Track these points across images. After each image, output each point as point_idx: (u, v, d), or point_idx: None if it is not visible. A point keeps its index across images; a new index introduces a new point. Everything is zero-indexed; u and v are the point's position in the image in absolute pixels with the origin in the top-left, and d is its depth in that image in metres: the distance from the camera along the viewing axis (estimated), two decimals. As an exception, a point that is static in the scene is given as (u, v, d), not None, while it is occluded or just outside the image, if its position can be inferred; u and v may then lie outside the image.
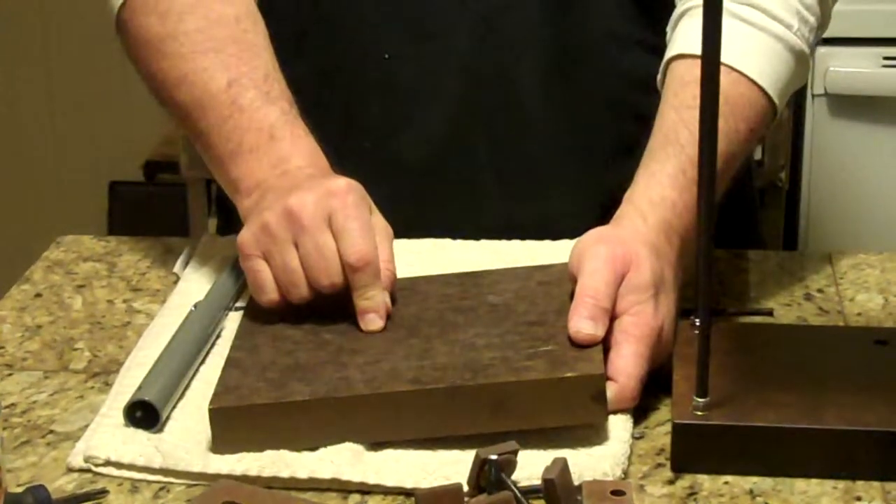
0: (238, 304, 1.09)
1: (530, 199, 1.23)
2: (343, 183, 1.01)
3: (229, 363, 0.97)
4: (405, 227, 1.13)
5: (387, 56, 1.21)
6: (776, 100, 1.10)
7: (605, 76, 1.23)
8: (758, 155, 2.07)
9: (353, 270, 0.99)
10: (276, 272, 1.01)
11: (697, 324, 0.92)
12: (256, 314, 1.03)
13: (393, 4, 1.21)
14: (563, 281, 1.01)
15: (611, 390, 0.93)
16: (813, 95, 2.06)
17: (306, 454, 0.91)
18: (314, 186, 1.01)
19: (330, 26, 1.22)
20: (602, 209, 1.05)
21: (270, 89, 1.10)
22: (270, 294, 1.01)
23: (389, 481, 0.88)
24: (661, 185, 1.04)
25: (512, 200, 1.23)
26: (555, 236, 1.15)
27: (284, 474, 0.89)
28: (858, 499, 0.88)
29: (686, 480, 0.90)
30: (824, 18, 1.16)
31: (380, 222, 1.04)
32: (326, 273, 0.99)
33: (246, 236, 1.02)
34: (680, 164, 1.04)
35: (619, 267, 0.97)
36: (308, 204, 0.99)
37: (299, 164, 1.07)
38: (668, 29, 1.17)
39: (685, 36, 1.12)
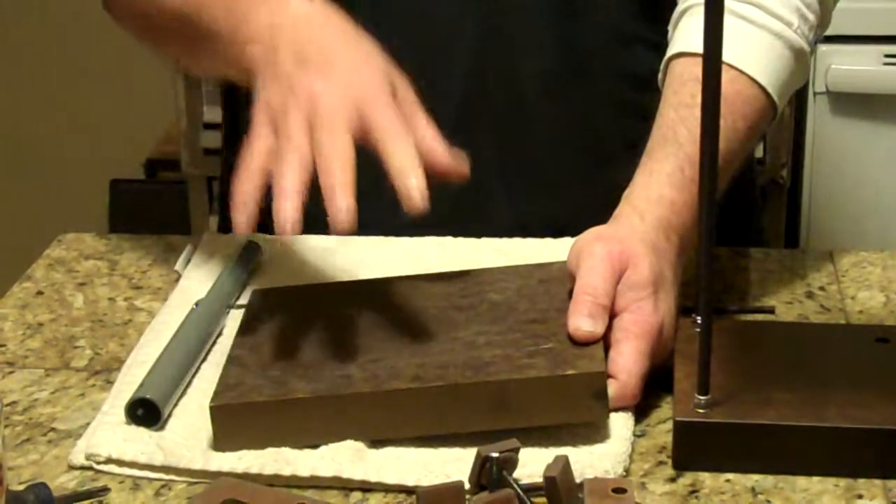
0: (239, 302, 1.09)
1: (537, 198, 1.23)
2: (369, 80, 0.98)
3: (230, 361, 0.97)
4: (412, 226, 1.13)
5: (392, 58, 1.21)
6: (776, 98, 1.10)
7: (609, 75, 1.23)
8: (759, 153, 2.07)
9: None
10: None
11: (699, 322, 0.92)
12: (258, 312, 1.03)
13: (397, 6, 1.21)
14: (563, 279, 1.01)
15: (612, 388, 0.93)
16: (814, 93, 2.07)
17: (307, 452, 0.91)
18: (340, 75, 0.98)
19: None
20: (609, 208, 1.05)
21: None
22: (260, 151, 0.98)
23: (391, 479, 0.88)
24: (660, 183, 1.04)
25: (518, 200, 1.23)
26: (562, 235, 1.15)
27: (286, 472, 0.89)
28: (860, 496, 0.88)
29: (687, 478, 0.90)
30: (825, 17, 1.16)
31: (403, 94, 1.01)
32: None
33: (261, 100, 0.99)
34: (678, 163, 1.04)
35: (616, 264, 0.97)
36: (332, 110, 0.96)
37: (304, 8, 1.04)
38: (670, 27, 1.17)
39: (685, 34, 1.12)
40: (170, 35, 1.14)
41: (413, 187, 0.93)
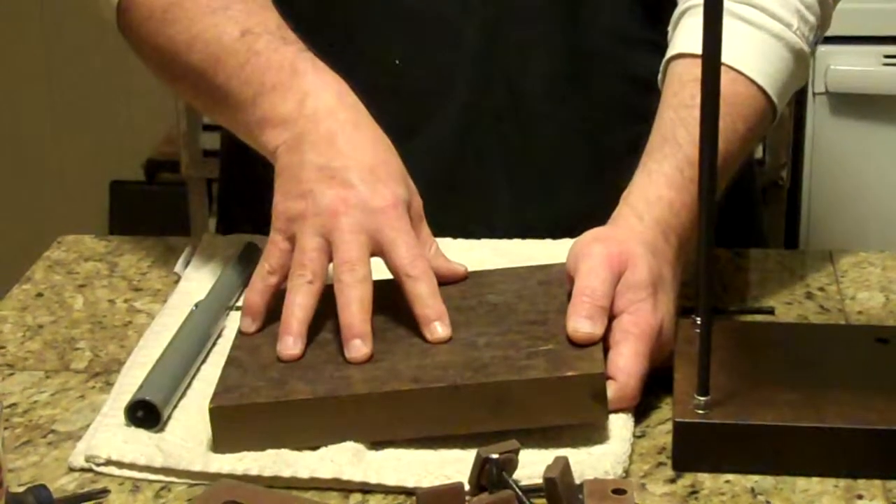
0: (239, 304, 1.09)
1: (541, 200, 1.23)
2: (388, 198, 1.01)
3: (229, 362, 0.97)
4: None
5: (398, 62, 1.21)
6: (775, 99, 1.10)
7: (612, 77, 1.23)
8: (759, 153, 2.07)
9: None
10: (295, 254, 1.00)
11: (698, 322, 0.92)
12: (257, 313, 1.03)
13: (402, 10, 1.21)
14: (563, 280, 1.01)
15: (611, 389, 0.93)
16: (814, 94, 2.07)
17: (307, 453, 0.91)
18: (360, 194, 1.00)
19: (340, 33, 1.22)
20: (611, 209, 1.05)
21: (285, 35, 1.09)
22: (274, 268, 1.01)
23: (390, 480, 0.88)
24: (658, 184, 1.04)
25: (523, 202, 1.23)
26: (564, 237, 1.15)
27: (285, 474, 0.89)
28: (860, 497, 0.88)
29: (687, 479, 0.90)
30: (825, 18, 1.16)
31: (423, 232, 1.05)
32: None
33: (280, 209, 1.01)
34: (677, 164, 1.04)
35: (615, 265, 0.97)
36: (350, 235, 0.99)
37: (329, 103, 1.05)
38: (669, 28, 1.17)
39: (685, 35, 1.12)
40: (186, 83, 1.14)
41: (436, 333, 0.97)
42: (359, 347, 0.96)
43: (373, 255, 1.00)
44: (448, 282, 1.03)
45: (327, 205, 1.00)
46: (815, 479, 0.89)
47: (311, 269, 0.99)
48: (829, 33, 1.21)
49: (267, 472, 0.89)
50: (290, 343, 0.97)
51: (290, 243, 1.01)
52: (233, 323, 1.06)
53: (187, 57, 1.11)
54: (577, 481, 0.85)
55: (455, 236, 1.18)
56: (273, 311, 1.02)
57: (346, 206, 1.00)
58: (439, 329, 0.97)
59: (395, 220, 1.00)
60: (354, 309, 0.97)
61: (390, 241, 0.99)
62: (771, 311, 1.11)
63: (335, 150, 1.03)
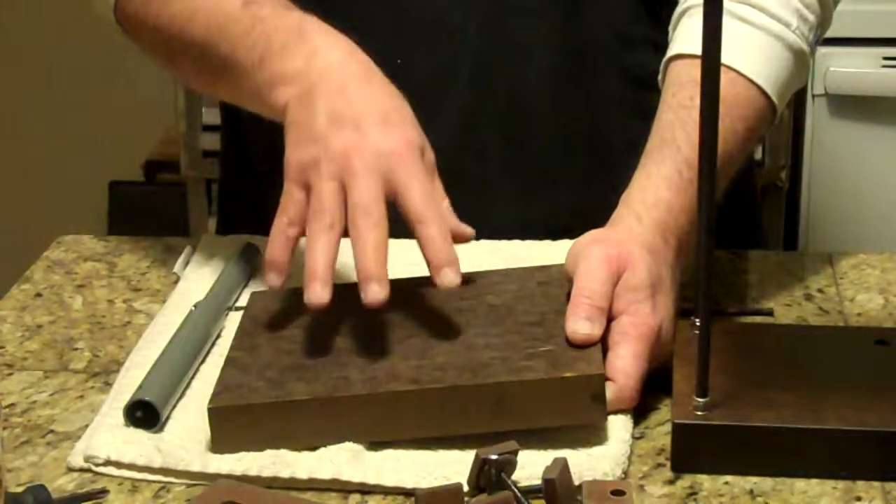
0: (238, 304, 1.09)
1: (542, 198, 1.23)
2: (401, 141, 1.00)
3: (229, 363, 0.97)
4: None
5: (399, 62, 1.21)
6: (775, 99, 1.10)
7: (612, 75, 1.24)
8: (758, 155, 2.07)
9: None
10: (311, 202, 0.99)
11: (697, 324, 0.92)
12: (256, 314, 1.03)
13: (403, 9, 1.21)
14: (562, 281, 1.01)
15: (610, 390, 0.93)
16: (813, 95, 2.07)
17: (306, 454, 0.91)
18: (372, 137, 0.99)
19: (340, 31, 1.22)
20: (611, 208, 1.05)
21: (287, 3, 1.09)
22: (292, 219, 0.99)
23: (389, 481, 0.88)
24: (657, 186, 1.04)
25: (523, 199, 1.23)
26: (566, 235, 1.15)
27: (284, 474, 0.89)
28: (858, 499, 0.88)
29: (686, 480, 0.90)
30: (825, 17, 1.16)
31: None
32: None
33: (293, 159, 1.00)
34: (676, 166, 1.04)
35: (614, 267, 0.97)
36: (364, 179, 0.97)
37: (340, 57, 1.04)
38: (669, 28, 1.17)
39: (685, 35, 1.12)
40: (188, 60, 1.13)
41: (448, 279, 0.95)
42: (376, 292, 0.93)
43: (387, 197, 0.98)
44: (453, 242, 1.01)
45: (340, 148, 0.98)
46: (814, 481, 0.89)
47: (330, 213, 0.97)
48: (828, 35, 1.21)
49: (266, 473, 0.89)
50: (319, 289, 0.94)
51: (304, 193, 0.99)
52: (232, 323, 1.06)
53: (190, 30, 1.10)
54: (576, 482, 0.85)
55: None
56: (273, 309, 1.02)
57: (359, 148, 0.98)
58: (450, 275, 0.95)
59: (409, 163, 0.99)
60: (370, 254, 0.95)
61: (404, 183, 0.98)
62: (770, 313, 1.11)
63: (347, 101, 1.01)
